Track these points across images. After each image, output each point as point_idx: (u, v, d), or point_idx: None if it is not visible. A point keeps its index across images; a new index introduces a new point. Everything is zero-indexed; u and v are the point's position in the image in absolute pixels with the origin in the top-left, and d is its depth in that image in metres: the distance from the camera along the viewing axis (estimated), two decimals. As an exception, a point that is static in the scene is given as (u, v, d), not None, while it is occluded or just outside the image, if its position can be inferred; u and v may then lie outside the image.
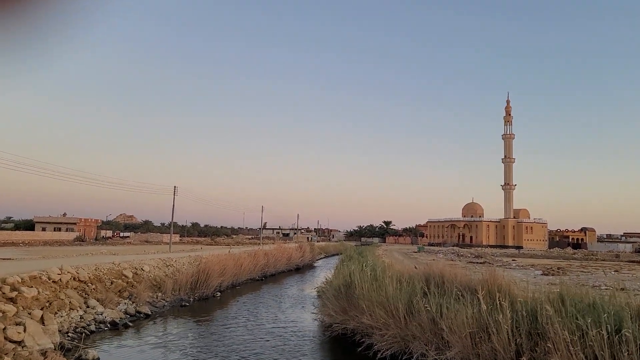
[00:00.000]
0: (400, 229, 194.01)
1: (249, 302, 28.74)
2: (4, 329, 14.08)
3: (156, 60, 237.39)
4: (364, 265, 20.31)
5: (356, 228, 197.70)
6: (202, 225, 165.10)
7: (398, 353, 14.11)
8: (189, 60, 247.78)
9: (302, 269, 56.46)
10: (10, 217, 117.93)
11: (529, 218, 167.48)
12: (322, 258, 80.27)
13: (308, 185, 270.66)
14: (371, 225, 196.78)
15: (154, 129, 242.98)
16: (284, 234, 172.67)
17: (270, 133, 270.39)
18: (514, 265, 48.62)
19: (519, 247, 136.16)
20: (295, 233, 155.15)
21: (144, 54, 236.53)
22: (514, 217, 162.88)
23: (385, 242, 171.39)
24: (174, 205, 53.30)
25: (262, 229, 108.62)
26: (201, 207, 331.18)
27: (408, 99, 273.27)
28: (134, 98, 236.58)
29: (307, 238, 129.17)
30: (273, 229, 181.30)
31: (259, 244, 79.56)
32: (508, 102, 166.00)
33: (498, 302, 11.64)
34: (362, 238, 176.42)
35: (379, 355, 14.13)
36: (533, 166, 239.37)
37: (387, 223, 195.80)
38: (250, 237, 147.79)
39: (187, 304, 26.13)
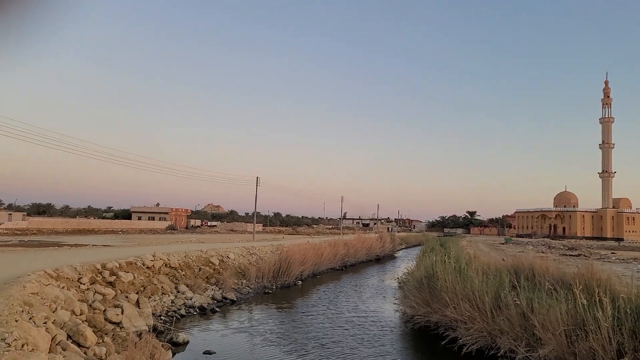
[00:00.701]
0: (485, 219, 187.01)
1: (329, 291, 28.94)
2: (105, 310, 15.14)
3: (240, 53, 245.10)
4: (447, 256, 19.63)
5: (438, 218, 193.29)
6: (283, 215, 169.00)
7: (484, 348, 13.50)
8: (272, 55, 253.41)
9: (382, 259, 56.06)
10: (111, 207, 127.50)
11: (631, 208, 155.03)
12: (402, 249, 79.31)
13: (388, 175, 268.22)
14: (454, 216, 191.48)
15: (239, 122, 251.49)
16: (363, 224, 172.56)
17: (350, 125, 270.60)
18: (613, 258, 45.05)
19: (619, 240, 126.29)
20: (375, 223, 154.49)
21: (234, 46, 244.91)
22: (613, 207, 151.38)
23: (469, 233, 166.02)
24: (256, 195, 54.87)
25: (342, 219, 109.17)
26: (283, 197, 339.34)
27: (491, 80, 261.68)
28: (217, 93, 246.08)
29: (388, 228, 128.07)
30: (353, 219, 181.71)
31: (339, 234, 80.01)
32: (606, 83, 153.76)
33: (597, 298, 10.71)
34: (444, 229, 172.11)
35: (464, 349, 13.60)
36: (635, 151, 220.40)
37: (472, 213, 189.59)
38: (330, 227, 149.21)
39: (270, 292, 26.78)
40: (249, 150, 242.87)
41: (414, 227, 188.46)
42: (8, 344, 6.36)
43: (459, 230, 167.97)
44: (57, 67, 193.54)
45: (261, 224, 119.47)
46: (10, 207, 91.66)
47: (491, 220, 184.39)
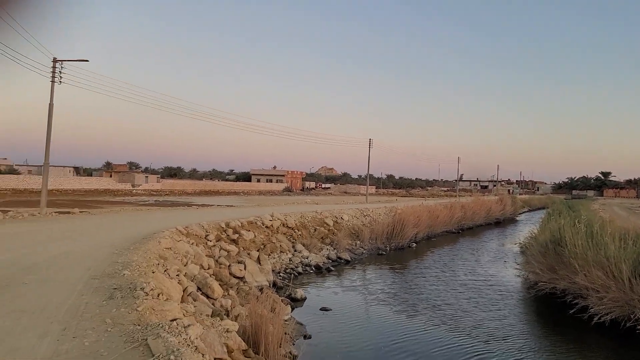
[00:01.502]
0: (622, 180, 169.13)
1: (444, 253, 28.29)
2: (229, 266, 16.22)
3: (348, 23, 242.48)
4: (576, 220, 18.02)
5: (566, 180, 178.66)
6: (396, 177, 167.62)
7: (620, 319, 12.32)
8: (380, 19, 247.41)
9: (502, 222, 53.46)
10: (232, 170, 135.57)
11: None
12: (524, 212, 74.87)
13: (509, 135, 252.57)
14: (585, 177, 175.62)
15: (351, 85, 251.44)
16: (482, 186, 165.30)
17: (466, 82, 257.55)
18: None
19: None
20: (494, 185, 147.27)
21: (344, 16, 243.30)
22: None
23: (602, 195, 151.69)
24: (369, 157, 54.82)
25: (458, 180, 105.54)
26: (396, 159, 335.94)
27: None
28: (328, 59, 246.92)
29: (508, 190, 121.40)
30: (470, 181, 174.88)
31: (455, 196, 77.55)
32: None
33: None
34: (573, 191, 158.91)
35: (595, 319, 12.53)
36: None
37: (605, 174, 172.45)
38: (445, 189, 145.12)
39: (384, 253, 26.84)
40: (362, 112, 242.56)
41: (538, 190, 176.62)
42: (146, 292, 7.01)
43: (590, 193, 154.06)
44: (179, 39, 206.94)
45: (374, 186, 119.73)
46: (146, 171, 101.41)
47: (629, 182, 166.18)
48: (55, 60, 21.82)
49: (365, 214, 33.09)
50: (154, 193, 71.54)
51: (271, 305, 12.21)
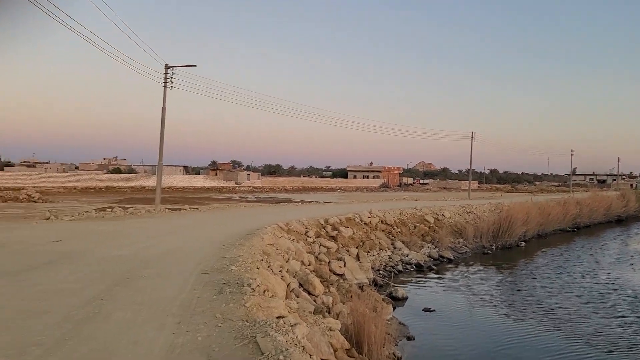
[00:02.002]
0: None
1: (557, 253, 26.31)
2: (329, 262, 16.29)
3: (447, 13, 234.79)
4: None
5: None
6: (501, 172, 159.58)
7: None
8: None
9: (624, 220, 48.75)
10: (329, 167, 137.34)
11: None
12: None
13: (632, 123, 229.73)
14: None
15: (451, 76, 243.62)
16: (599, 181, 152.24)
17: (577, 64, 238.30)
18: None
19: None
20: (614, 179, 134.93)
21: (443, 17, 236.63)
22: None
23: None
24: (471, 151, 52.66)
25: (571, 175, 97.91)
26: (500, 152, 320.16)
27: None
28: (429, 48, 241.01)
29: (631, 185, 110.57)
30: (585, 175, 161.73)
31: (567, 191, 72.06)
32: None
33: None
34: None
35: None
36: None
37: None
38: (556, 184, 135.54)
39: (489, 252, 25.56)
40: (462, 105, 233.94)
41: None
42: (253, 289, 7.15)
43: None
44: (275, 37, 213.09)
45: (476, 182, 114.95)
46: (248, 168, 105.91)
47: None
48: (167, 67, 23.36)
49: (468, 210, 31.78)
50: (255, 190, 74.45)
51: (372, 304, 12.06)
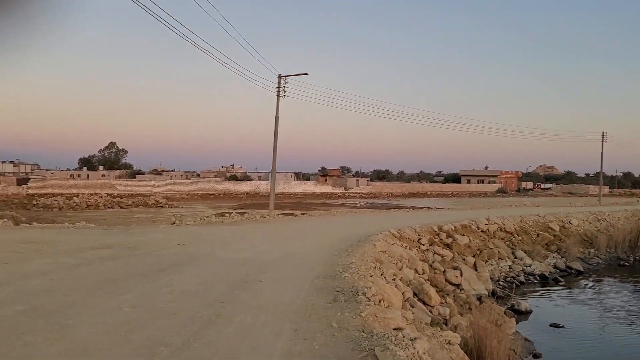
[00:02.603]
0: None
1: None
2: (444, 271, 15.62)
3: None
4: None
5: None
6: (636, 175, 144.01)
7: None
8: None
9: None
10: (440, 171, 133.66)
11: None
12: None
13: None
14: None
15: (576, 75, 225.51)
16: None
17: None
18: None
19: None
20: None
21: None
22: None
23: None
24: (602, 153, 48.10)
25: None
26: (635, 154, 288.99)
27: None
28: (551, 50, 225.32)
29: None
30: None
31: None
32: None
33: None
34: None
35: None
36: None
37: None
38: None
39: (626, 264, 23.00)
40: (590, 104, 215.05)
41: None
42: (368, 298, 6.96)
43: None
44: (380, 42, 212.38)
45: (606, 186, 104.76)
46: (357, 174, 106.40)
47: None
48: (280, 77, 24.17)
49: (599, 218, 28.92)
50: (365, 196, 74.54)
51: (494, 318, 11.29)
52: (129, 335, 5.20)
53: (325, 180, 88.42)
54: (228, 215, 22.91)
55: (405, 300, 9.93)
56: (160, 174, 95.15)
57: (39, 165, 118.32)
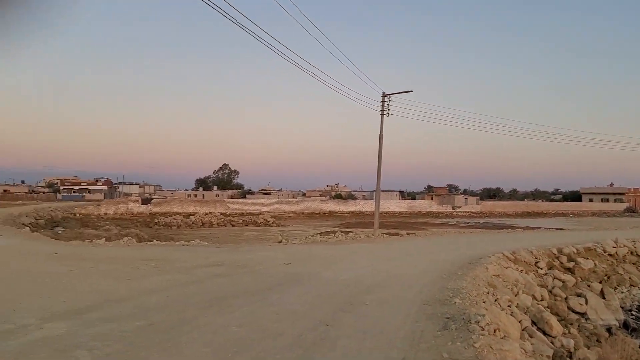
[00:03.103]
0: None
1: None
2: (566, 298, 14.24)
3: None
4: None
5: None
6: None
7: None
8: None
9: None
10: (558, 189, 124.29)
11: None
12: None
13: None
14: None
15: None
16: None
17: None
18: None
19: None
20: None
21: None
22: None
23: None
24: None
25: None
26: None
27: None
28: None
29: None
30: None
31: None
32: None
33: None
34: None
35: None
36: None
37: None
38: None
39: None
40: None
41: None
42: (481, 327, 6.44)
43: None
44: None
45: None
46: (465, 192, 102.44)
47: None
48: (384, 95, 24.02)
49: None
50: (474, 215, 71.37)
51: (627, 354, 10.01)
52: (235, 357, 5.25)
53: (432, 198, 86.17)
54: (333, 234, 23.02)
55: (522, 330, 9.12)
56: (269, 194, 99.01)
57: (161, 186, 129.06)
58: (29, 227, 28.63)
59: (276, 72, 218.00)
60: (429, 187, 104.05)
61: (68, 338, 5.71)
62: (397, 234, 25.04)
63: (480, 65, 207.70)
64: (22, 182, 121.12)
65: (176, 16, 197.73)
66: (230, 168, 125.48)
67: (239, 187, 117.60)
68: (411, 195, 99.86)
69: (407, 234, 25.07)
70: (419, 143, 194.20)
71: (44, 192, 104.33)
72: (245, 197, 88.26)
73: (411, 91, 23.24)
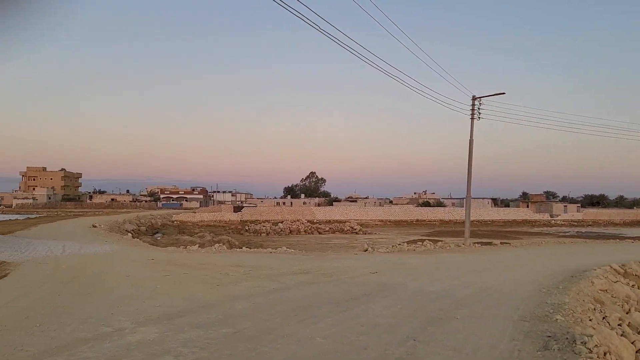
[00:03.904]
0: None
1: None
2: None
3: None
4: None
5: None
6: None
7: None
8: None
9: None
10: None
11: None
12: None
13: None
14: None
15: None
16: None
17: None
18: None
19: None
20: None
21: None
22: None
23: None
24: None
25: None
26: None
27: None
28: None
29: None
30: None
31: None
32: None
33: None
34: None
35: None
36: None
37: None
38: None
39: None
40: None
41: None
42: (589, 349, 5.78)
43: None
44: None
45: None
46: (564, 200, 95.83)
47: None
48: (474, 98, 23.02)
49: None
50: (575, 224, 66.52)
51: None
52: (318, 370, 5.11)
53: (527, 206, 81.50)
54: (420, 243, 22.34)
55: (637, 352, 8.15)
56: (355, 201, 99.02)
57: (252, 194, 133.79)
58: (131, 234, 30.70)
59: (362, 78, 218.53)
60: (524, 194, 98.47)
61: (159, 343, 5.89)
62: (489, 243, 23.79)
63: (579, 64, 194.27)
64: (127, 191, 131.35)
65: (266, 25, 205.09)
66: (317, 176, 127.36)
67: (326, 194, 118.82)
68: (504, 203, 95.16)
69: (501, 243, 23.74)
70: (513, 147, 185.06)
71: (146, 201, 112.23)
72: (331, 204, 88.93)
73: (503, 93, 22.04)
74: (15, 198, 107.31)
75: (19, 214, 69.92)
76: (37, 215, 56.01)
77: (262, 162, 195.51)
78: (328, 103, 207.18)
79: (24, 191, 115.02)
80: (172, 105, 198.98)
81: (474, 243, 23.44)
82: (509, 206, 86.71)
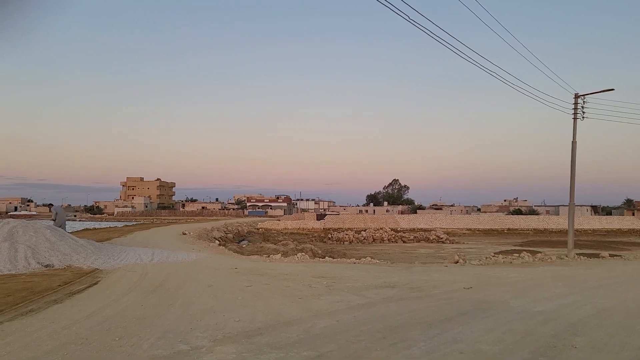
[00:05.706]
0: None
1: None
2: None
3: None
4: None
5: None
6: None
7: None
8: None
9: None
10: None
11: None
12: None
13: None
14: None
15: None
16: None
17: None
18: None
19: None
20: None
21: None
22: None
23: None
24: None
25: None
26: None
27: None
28: None
29: None
30: None
31: None
32: None
33: None
34: None
35: None
36: None
37: None
38: None
39: None
40: None
41: None
42: None
43: None
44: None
45: None
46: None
47: None
48: (577, 96, 20.84)
49: None
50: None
51: None
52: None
53: (633, 214, 74.42)
54: (517, 254, 20.58)
55: None
56: (440, 209, 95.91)
57: (334, 202, 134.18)
58: (218, 241, 31.34)
59: (446, 76, 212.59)
60: (629, 201, 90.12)
61: (235, 366, 5.38)
62: (597, 255, 21.47)
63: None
64: (216, 199, 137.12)
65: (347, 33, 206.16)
66: (400, 183, 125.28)
67: (409, 202, 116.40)
68: (606, 211, 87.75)
69: (610, 255, 21.32)
70: (616, 150, 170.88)
71: (233, 209, 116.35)
72: (415, 212, 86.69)
73: (612, 89, 19.74)
74: (116, 207, 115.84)
75: (119, 221, 75.02)
76: (135, 223, 59.50)
77: (345, 170, 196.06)
78: (411, 107, 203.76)
79: (124, 200, 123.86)
80: (261, 119, 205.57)
81: (578, 255, 21.27)
82: (611, 214, 79.72)
